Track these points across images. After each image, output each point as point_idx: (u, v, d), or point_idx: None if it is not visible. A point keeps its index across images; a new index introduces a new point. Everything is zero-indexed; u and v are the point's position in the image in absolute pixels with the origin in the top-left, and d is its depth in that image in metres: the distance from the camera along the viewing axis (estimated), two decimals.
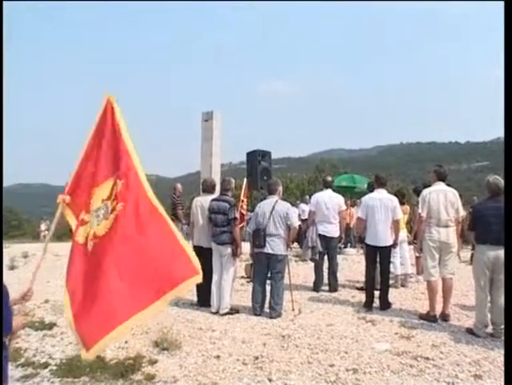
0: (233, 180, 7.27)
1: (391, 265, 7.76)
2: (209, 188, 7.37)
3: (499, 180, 5.95)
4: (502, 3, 4.25)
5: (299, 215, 15.97)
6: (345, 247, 15.50)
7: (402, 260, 8.95)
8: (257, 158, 10.96)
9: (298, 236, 11.52)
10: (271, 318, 6.54)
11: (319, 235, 8.23)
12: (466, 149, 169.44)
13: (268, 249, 6.71)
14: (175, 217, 12.89)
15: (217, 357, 4.97)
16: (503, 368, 4.67)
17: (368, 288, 7.20)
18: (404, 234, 8.87)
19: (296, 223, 6.94)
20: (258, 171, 10.91)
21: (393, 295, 7.74)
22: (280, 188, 7.23)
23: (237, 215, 7.01)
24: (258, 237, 6.73)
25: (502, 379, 4.39)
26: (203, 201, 7.15)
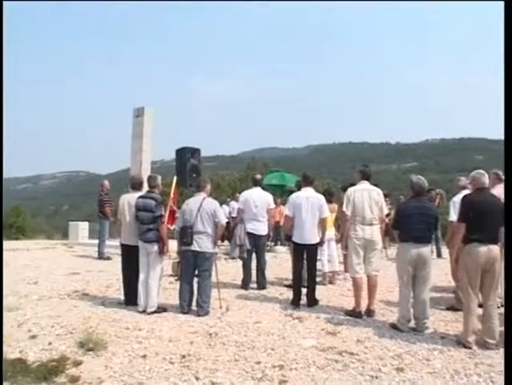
0: (160, 177, 7.17)
1: (319, 263, 7.89)
2: (136, 185, 7.24)
3: (422, 180, 6.17)
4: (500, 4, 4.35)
5: (230, 213, 16.00)
6: (275, 245, 15.66)
7: (330, 257, 9.10)
8: (186, 155, 10.88)
9: (229, 233, 11.53)
10: (199, 316, 6.50)
11: (248, 233, 8.27)
12: (396, 150, 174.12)
13: (195, 247, 6.67)
14: (102, 215, 12.66)
15: (144, 356, 4.89)
16: (424, 361, 4.86)
17: (296, 285, 7.27)
18: (331, 232, 9.01)
19: (223, 220, 6.93)
20: (187, 168, 10.84)
21: (321, 292, 7.83)
22: (209, 186, 7.20)
23: (164, 212, 6.93)
24: (185, 234, 6.67)
25: (423, 371, 4.56)
26: (130, 199, 7.02)
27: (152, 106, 15.52)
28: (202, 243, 6.68)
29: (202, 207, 6.73)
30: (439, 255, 13.22)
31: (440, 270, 9.76)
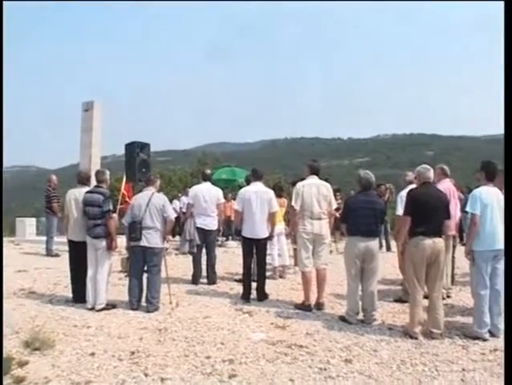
0: (108, 172, 7.07)
1: (269, 257, 7.92)
2: (83, 180, 7.12)
3: (370, 175, 6.26)
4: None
5: (181, 208, 15.92)
6: (226, 240, 15.67)
7: (280, 252, 9.14)
8: (135, 150, 10.74)
9: (180, 228, 11.46)
10: (148, 312, 6.45)
11: (197, 228, 8.26)
12: (348, 145, 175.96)
13: (144, 242, 6.61)
14: (50, 210, 12.41)
15: (92, 354, 4.83)
16: (372, 352, 4.95)
17: (245, 280, 7.29)
18: (281, 227, 9.08)
19: (172, 215, 6.89)
20: (137, 163, 10.70)
21: (271, 286, 7.89)
22: (158, 182, 7.18)
23: (112, 207, 6.84)
24: (134, 229, 6.60)
25: (371, 362, 4.64)
26: (77, 194, 6.89)
27: (103, 100, 15.32)
28: (151, 238, 6.63)
29: (151, 202, 6.67)
30: (388, 248, 13.45)
31: (389, 263, 9.98)
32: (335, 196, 7.04)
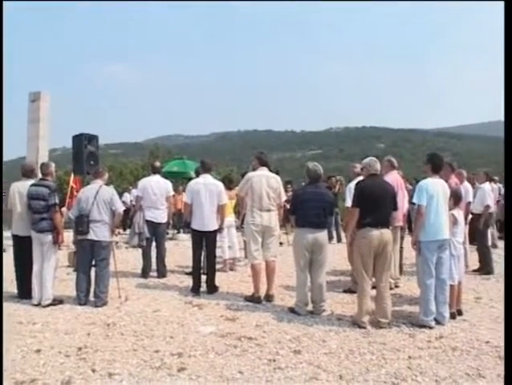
0: (53, 164, 6.91)
1: (219, 250, 7.91)
2: (27, 173, 6.89)
3: (318, 166, 6.30)
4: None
5: (131, 201, 15.75)
6: (178, 232, 15.58)
7: (230, 244, 9.15)
8: (83, 142, 10.51)
9: (130, 221, 11.32)
10: (96, 306, 6.36)
11: (147, 221, 8.18)
12: (301, 138, 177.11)
13: (92, 236, 6.50)
14: None
15: (38, 351, 4.72)
16: (321, 342, 5.00)
17: (195, 273, 7.26)
18: (231, 219, 9.09)
19: (120, 208, 6.80)
20: (84, 155, 10.48)
21: (221, 279, 7.90)
22: (106, 175, 7.08)
23: (58, 200, 6.68)
24: (81, 223, 6.47)
25: (320, 352, 4.70)
26: (21, 187, 6.68)
27: (55, 91, 14.91)
28: (99, 232, 6.52)
29: (99, 194, 6.56)
30: (339, 240, 13.60)
31: (339, 254, 10.10)
32: (286, 188, 7.08)
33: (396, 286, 7.49)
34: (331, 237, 13.54)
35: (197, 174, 7.91)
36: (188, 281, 7.60)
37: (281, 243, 11.47)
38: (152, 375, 4.17)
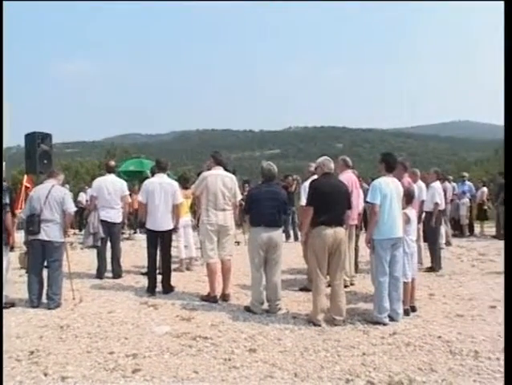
0: (4, 163, 6.78)
1: (175, 249, 7.87)
2: None
3: (272, 166, 6.34)
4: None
5: (87, 201, 15.51)
6: (134, 232, 15.43)
7: (186, 244, 9.11)
8: (36, 141, 10.26)
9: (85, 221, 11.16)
10: (49, 308, 6.23)
11: (101, 221, 8.08)
12: (260, 137, 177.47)
13: (43, 236, 6.35)
14: None
15: None
16: (276, 340, 5.02)
17: (151, 272, 7.20)
18: (188, 218, 9.08)
19: (72, 208, 6.68)
20: (37, 154, 10.24)
21: (177, 278, 7.87)
22: (61, 175, 6.97)
23: (8, 200, 6.52)
24: (32, 223, 6.32)
25: (275, 351, 4.71)
26: None
27: (10, 88, 14.59)
28: (50, 232, 6.38)
29: (51, 194, 6.43)
30: (296, 238, 13.65)
31: (296, 253, 10.14)
32: (244, 187, 7.08)
33: (352, 284, 7.58)
34: (288, 236, 13.64)
35: (153, 173, 7.87)
36: (144, 282, 7.54)
37: (238, 242, 11.51)
38: (106, 377, 4.12)
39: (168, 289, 7.16)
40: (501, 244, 12.58)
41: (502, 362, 4.40)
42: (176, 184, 7.42)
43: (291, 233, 13.83)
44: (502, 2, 4.56)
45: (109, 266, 8.46)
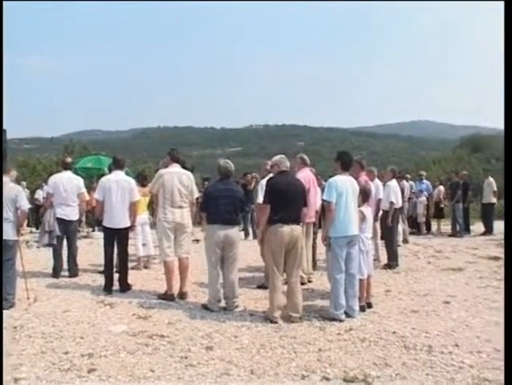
0: None
1: (133, 247, 7.81)
2: None
3: (229, 163, 6.34)
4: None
5: (44, 198, 15.24)
6: (93, 230, 15.22)
7: (144, 241, 9.07)
8: None
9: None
10: (3, 309, 6.11)
11: (57, 218, 7.97)
12: (221, 135, 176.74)
13: None
14: None
15: None
16: (233, 338, 5.05)
17: (107, 271, 7.13)
18: (146, 216, 9.02)
19: (26, 206, 6.55)
20: None
21: (135, 277, 7.83)
22: (14, 172, 6.85)
23: None
24: None
25: (231, 348, 4.75)
26: None
27: None
28: (3, 230, 6.26)
29: (3, 192, 6.31)
30: (255, 236, 13.69)
31: (255, 251, 10.17)
32: (204, 185, 7.06)
33: (309, 281, 7.65)
34: (247, 234, 13.68)
35: (110, 170, 7.79)
36: (101, 280, 7.45)
37: (197, 240, 11.47)
38: (61, 378, 4.08)
39: (125, 287, 7.11)
40: (456, 241, 12.92)
41: (455, 356, 4.56)
42: (133, 181, 7.38)
43: (250, 230, 13.86)
44: (502, 2, 4.56)
45: (66, 265, 8.33)
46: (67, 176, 8.39)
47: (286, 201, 5.65)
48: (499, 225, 15.47)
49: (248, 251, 9.63)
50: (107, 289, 7.02)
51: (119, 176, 7.20)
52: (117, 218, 7.05)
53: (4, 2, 6.01)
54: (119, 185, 7.07)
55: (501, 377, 4.00)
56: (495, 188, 14.57)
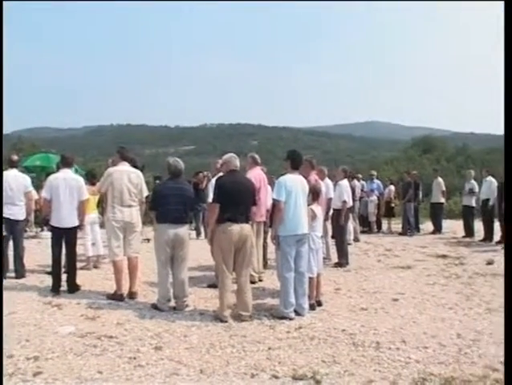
0: None
1: (82, 247, 7.68)
2: None
3: (179, 162, 6.30)
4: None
5: None
6: (41, 230, 14.89)
7: (94, 241, 8.94)
8: None
9: None
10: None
11: (4, 218, 7.73)
12: (175, 133, 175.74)
13: None
14: None
15: None
16: (182, 337, 5.03)
17: (55, 271, 6.99)
18: (95, 215, 8.88)
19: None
20: None
21: (84, 277, 7.69)
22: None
23: None
24: None
25: (181, 348, 4.73)
26: None
27: None
28: None
29: None
30: (207, 235, 13.71)
31: (206, 250, 10.13)
32: (155, 183, 7.02)
33: (260, 280, 7.68)
34: (199, 233, 13.66)
35: (58, 169, 7.64)
36: (49, 281, 7.28)
37: (148, 239, 11.37)
38: (5, 383, 3.94)
39: (73, 288, 6.98)
40: (406, 239, 13.19)
41: (402, 352, 4.65)
42: (81, 179, 7.26)
43: (202, 230, 13.84)
44: (502, 2, 4.56)
45: (12, 266, 8.10)
46: (12, 174, 8.14)
47: (235, 200, 5.66)
48: (448, 224, 15.91)
49: (199, 250, 9.58)
50: (55, 289, 6.88)
51: (67, 174, 7.07)
52: (65, 217, 6.92)
53: (4, 1, 6.01)
54: (67, 184, 6.94)
55: (446, 371, 4.14)
56: (443, 188, 14.91)
